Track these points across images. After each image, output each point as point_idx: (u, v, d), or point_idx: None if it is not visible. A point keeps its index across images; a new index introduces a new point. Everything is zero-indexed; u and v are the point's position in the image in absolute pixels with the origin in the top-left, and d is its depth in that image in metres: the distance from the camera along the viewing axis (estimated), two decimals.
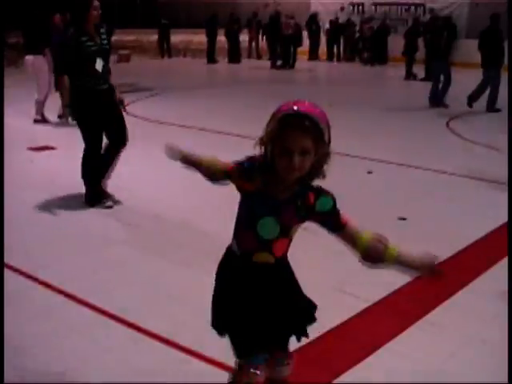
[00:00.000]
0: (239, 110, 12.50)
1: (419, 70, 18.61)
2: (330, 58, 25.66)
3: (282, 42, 22.57)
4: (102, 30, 6.01)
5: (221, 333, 2.68)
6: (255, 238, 2.50)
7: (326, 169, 2.46)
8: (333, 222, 2.51)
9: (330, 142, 2.40)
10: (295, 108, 2.33)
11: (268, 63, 22.81)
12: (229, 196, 2.78)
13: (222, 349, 2.87)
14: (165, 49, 25.12)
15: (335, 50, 25.86)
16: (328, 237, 2.57)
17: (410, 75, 19.26)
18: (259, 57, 25.71)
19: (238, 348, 2.61)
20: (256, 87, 17.14)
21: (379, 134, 10.36)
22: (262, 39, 25.09)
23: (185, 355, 3.56)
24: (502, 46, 12.82)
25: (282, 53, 22.79)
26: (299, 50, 23.43)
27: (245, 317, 2.58)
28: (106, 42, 6.02)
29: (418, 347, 3.73)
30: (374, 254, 2.44)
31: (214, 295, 2.69)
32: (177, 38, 25.97)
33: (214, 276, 2.69)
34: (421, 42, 19.01)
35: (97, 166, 6.15)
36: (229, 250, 2.65)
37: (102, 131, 6.07)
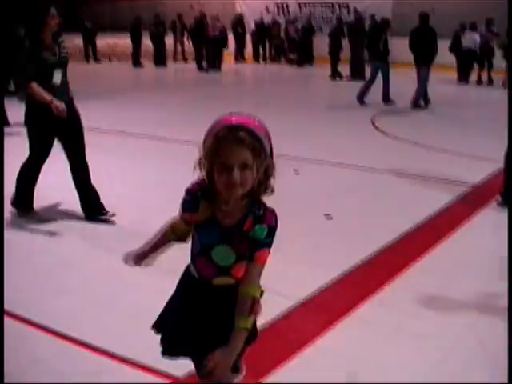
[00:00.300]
0: (166, 114, 12.40)
1: (344, 69, 18.86)
2: (256, 59, 25.77)
3: (208, 44, 22.51)
4: (61, 40, 5.66)
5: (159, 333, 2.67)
6: (212, 265, 2.39)
7: (273, 182, 2.33)
8: (254, 250, 2.36)
9: (272, 152, 2.29)
10: (229, 121, 2.22)
11: (194, 66, 22.72)
12: None
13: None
14: (90, 53, 24.81)
15: (261, 51, 26.00)
16: None
17: (335, 75, 19.49)
18: (185, 59, 25.58)
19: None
20: (183, 90, 17.06)
21: (306, 133, 10.43)
22: (188, 42, 24.98)
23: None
24: (434, 45, 13.10)
25: (208, 55, 22.74)
26: (225, 52, 23.44)
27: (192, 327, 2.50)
28: (65, 52, 5.66)
29: (348, 343, 3.75)
30: (240, 305, 2.34)
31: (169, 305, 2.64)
32: (102, 41, 25.64)
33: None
34: (345, 41, 19.31)
35: (33, 178, 5.88)
36: (187, 271, 2.54)
37: (51, 148, 5.75)
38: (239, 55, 25.98)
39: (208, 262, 2.39)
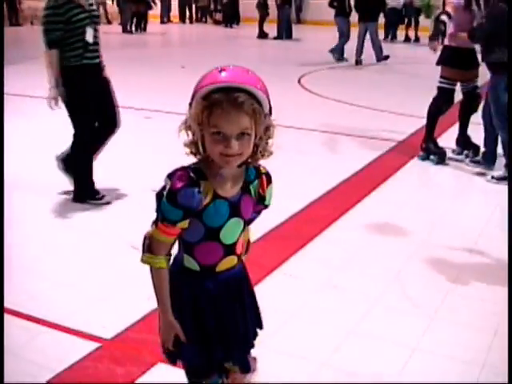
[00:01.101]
0: None
1: (271, 30, 18.83)
2: (182, 20, 25.47)
3: (133, 5, 22.06)
4: None
5: (174, 360, 2.30)
6: (220, 247, 2.08)
7: (271, 144, 2.05)
8: (257, 216, 2.22)
9: (271, 111, 1.98)
10: (222, 78, 1.86)
11: (119, 28, 22.29)
12: None
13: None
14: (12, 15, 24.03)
15: (187, 11, 25.69)
16: None
17: (262, 34, 19.44)
18: (109, 22, 25.05)
19: (196, 369, 2.24)
20: (109, 52, 16.73)
21: None
22: (112, 3, 24.44)
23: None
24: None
25: (133, 17, 22.32)
26: (151, 13, 23.07)
27: (210, 333, 2.15)
28: (94, 7, 5.26)
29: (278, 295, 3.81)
30: (247, 246, 2.26)
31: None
32: (24, 5, 24.85)
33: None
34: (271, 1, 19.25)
35: (89, 155, 5.35)
36: (180, 268, 2.13)
37: (95, 113, 5.25)
38: (165, 17, 25.62)
39: (214, 246, 2.07)
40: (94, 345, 3.25)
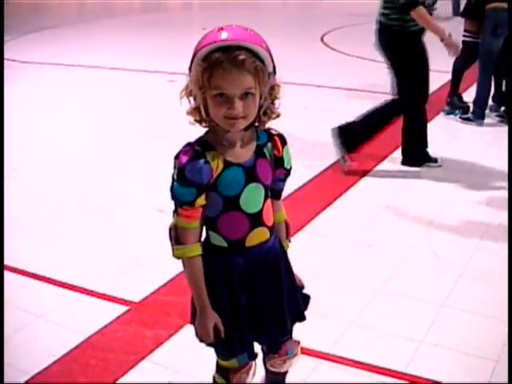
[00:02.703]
0: (112, 43, 12.11)
1: None
2: None
3: None
4: None
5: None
6: (244, 217, 1.96)
7: (279, 104, 1.97)
8: (283, 185, 2.11)
9: (275, 69, 1.89)
10: (221, 38, 1.77)
11: None
12: None
13: None
14: None
15: None
16: None
17: None
18: None
19: (226, 347, 2.11)
20: (129, 17, 16.67)
21: None
22: None
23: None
24: None
25: None
26: None
27: (245, 313, 2.05)
28: None
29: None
30: (286, 229, 2.19)
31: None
32: None
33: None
34: None
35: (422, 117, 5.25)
36: (207, 246, 2.01)
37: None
38: None
39: (237, 216, 1.96)
40: (122, 308, 3.28)
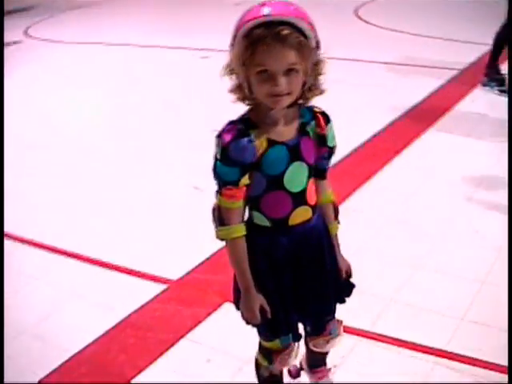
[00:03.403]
0: (143, 21, 12.09)
1: None
2: None
3: None
4: None
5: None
6: (287, 196, 1.93)
7: (323, 80, 1.90)
8: (327, 163, 2.07)
9: (319, 44, 1.83)
10: (263, 13, 1.71)
11: None
12: None
13: None
14: None
15: None
16: None
17: None
18: None
19: (269, 327, 2.06)
20: None
21: None
22: None
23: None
24: None
25: None
26: None
27: (287, 293, 2.03)
28: None
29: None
30: (334, 210, 2.14)
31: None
32: None
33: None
34: None
35: None
36: (251, 226, 1.97)
37: None
38: None
39: (281, 195, 1.92)
40: (160, 287, 3.30)
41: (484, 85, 6.46)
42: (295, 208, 1.96)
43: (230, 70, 1.83)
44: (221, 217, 1.91)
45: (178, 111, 6.21)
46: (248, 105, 1.89)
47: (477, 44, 7.47)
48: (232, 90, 1.87)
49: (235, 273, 1.98)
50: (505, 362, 2.60)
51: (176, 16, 11.89)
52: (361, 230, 3.78)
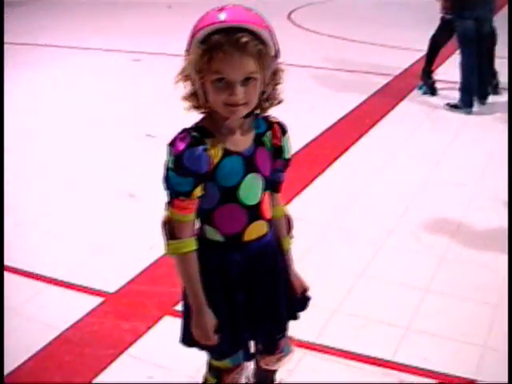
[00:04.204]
0: (77, 23, 11.83)
1: None
2: None
3: None
4: None
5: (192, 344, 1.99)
6: (242, 210, 1.84)
7: (281, 89, 1.82)
8: (282, 176, 1.98)
9: (278, 53, 1.75)
10: (221, 19, 1.64)
11: None
12: None
13: None
14: None
15: None
16: None
17: None
18: None
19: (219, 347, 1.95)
20: None
21: None
22: None
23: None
24: None
25: None
26: None
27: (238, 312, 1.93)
28: None
29: None
30: (287, 224, 2.07)
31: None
32: None
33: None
34: None
35: None
36: (203, 241, 1.86)
37: None
38: None
39: (235, 208, 1.83)
40: (97, 300, 3.16)
41: (419, 88, 6.65)
42: (250, 223, 1.87)
43: (185, 76, 1.73)
44: (171, 230, 1.80)
45: (111, 115, 6.05)
46: (202, 113, 1.80)
47: (413, 50, 7.58)
48: (186, 98, 1.77)
49: (186, 290, 1.87)
50: (452, 371, 2.59)
51: (108, 18, 11.71)
52: (302, 238, 3.69)
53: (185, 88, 1.76)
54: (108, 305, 3.13)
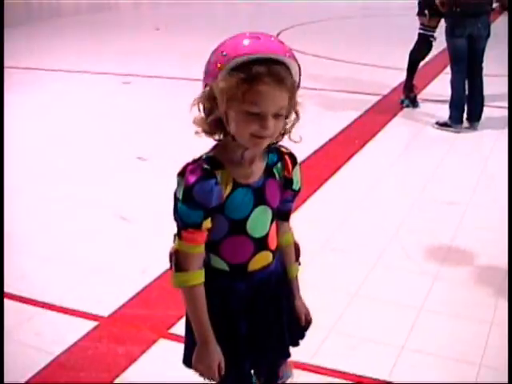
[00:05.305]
0: (62, 44, 11.85)
1: None
2: None
3: None
4: None
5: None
6: (249, 241, 1.82)
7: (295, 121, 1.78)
8: (291, 206, 1.96)
9: (299, 86, 1.73)
10: (261, 47, 1.59)
11: None
12: None
13: None
14: None
15: None
16: None
17: None
18: None
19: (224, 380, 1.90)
20: (79, 16, 16.37)
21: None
22: None
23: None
24: None
25: None
26: None
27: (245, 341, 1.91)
28: None
29: None
30: (296, 252, 2.05)
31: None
32: None
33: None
34: None
35: None
36: (207, 269, 1.82)
37: None
38: None
39: (243, 240, 1.81)
40: (91, 324, 3.14)
41: (401, 102, 6.85)
42: (256, 253, 1.85)
43: (208, 100, 1.67)
44: (179, 262, 1.77)
45: (101, 138, 6.05)
46: (217, 140, 1.76)
47: (400, 70, 7.61)
48: (204, 123, 1.70)
49: (191, 322, 1.84)
50: None
51: (94, 40, 11.73)
52: None
53: (200, 111, 1.71)
54: (102, 329, 3.10)
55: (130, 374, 2.77)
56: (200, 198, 1.68)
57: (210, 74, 1.66)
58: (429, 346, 2.91)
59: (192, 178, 1.67)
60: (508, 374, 2.56)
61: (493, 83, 6.45)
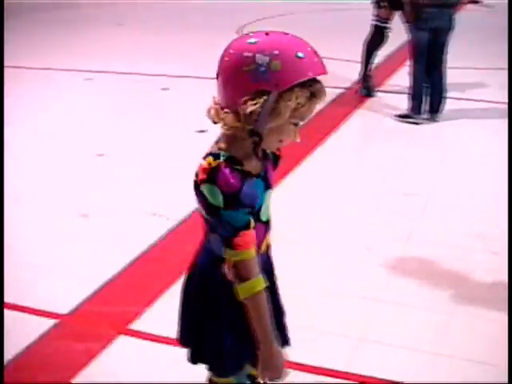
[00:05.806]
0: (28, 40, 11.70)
1: None
2: None
3: None
4: None
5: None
6: (262, 226, 1.83)
7: None
8: None
9: None
10: (321, 67, 1.64)
11: None
12: None
13: None
14: None
15: None
16: None
17: None
18: None
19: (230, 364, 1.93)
20: (39, 14, 16.16)
21: (175, 52, 10.12)
22: None
23: None
24: None
25: None
26: None
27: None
28: None
29: None
30: None
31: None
32: None
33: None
34: None
35: None
36: (216, 260, 1.80)
37: None
38: None
39: (258, 227, 1.77)
40: (50, 322, 3.12)
41: (360, 92, 7.05)
42: (264, 237, 1.88)
43: (266, 110, 1.62)
44: (241, 272, 1.72)
45: (60, 135, 5.98)
46: (230, 134, 1.69)
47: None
48: (230, 122, 1.67)
49: (257, 329, 1.77)
50: (407, 379, 2.64)
51: (57, 37, 11.60)
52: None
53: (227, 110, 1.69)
54: (62, 327, 3.09)
55: (90, 370, 2.76)
56: (248, 199, 1.68)
57: (272, 81, 1.59)
58: (387, 337, 2.95)
59: (236, 183, 1.65)
60: (508, 374, 2.59)
61: (454, 75, 6.50)
